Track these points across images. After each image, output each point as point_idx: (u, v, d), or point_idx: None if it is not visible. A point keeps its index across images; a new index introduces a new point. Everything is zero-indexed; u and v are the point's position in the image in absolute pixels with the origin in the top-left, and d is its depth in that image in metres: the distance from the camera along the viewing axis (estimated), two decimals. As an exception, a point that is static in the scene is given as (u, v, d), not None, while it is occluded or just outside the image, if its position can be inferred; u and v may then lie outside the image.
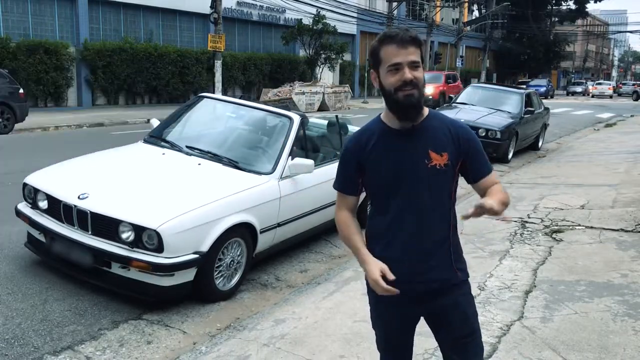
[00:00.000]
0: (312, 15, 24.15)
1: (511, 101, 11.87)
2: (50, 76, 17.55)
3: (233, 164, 4.53)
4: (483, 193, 1.96)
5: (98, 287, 3.94)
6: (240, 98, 5.96)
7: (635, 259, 4.79)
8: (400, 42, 1.82)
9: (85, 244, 3.78)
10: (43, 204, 4.13)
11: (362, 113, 20.12)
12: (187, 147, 4.76)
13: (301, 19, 24.50)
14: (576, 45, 68.96)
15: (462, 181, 2.06)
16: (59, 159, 4.90)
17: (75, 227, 3.88)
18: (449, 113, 11.21)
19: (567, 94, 49.40)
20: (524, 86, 23.23)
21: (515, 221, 6.05)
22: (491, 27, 42.54)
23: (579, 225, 5.86)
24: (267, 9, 25.99)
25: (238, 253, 4.16)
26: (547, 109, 13.83)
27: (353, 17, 28.45)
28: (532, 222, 5.99)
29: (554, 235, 5.50)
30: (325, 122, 6.32)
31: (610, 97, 44.53)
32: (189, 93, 21.58)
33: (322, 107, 21.89)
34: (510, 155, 10.89)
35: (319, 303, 3.91)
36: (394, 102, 1.87)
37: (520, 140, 11.39)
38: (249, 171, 4.48)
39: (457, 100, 12.60)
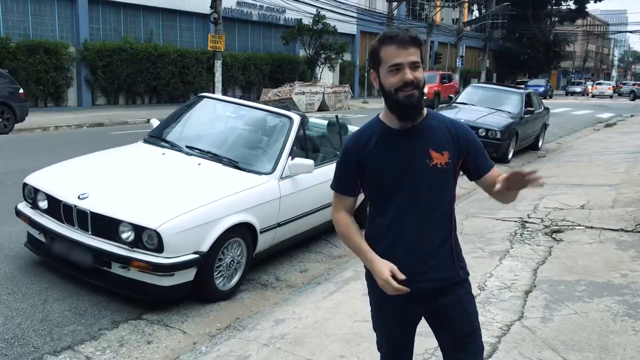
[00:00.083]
0: (312, 15, 24.15)
1: (511, 101, 11.88)
2: (50, 76, 17.55)
3: (233, 164, 4.53)
4: (491, 186, 1.97)
5: (98, 287, 3.94)
6: (240, 98, 5.96)
7: (635, 259, 4.79)
8: (401, 43, 1.82)
9: (85, 244, 3.78)
10: (43, 204, 4.13)
11: (362, 113, 20.12)
12: (187, 147, 4.76)
13: (301, 19, 24.50)
14: (576, 45, 68.96)
15: (462, 181, 2.07)
16: (59, 159, 4.90)
17: (75, 227, 3.88)
18: (449, 113, 11.24)
19: (566, 94, 49.35)
20: (522, 86, 23.19)
21: (515, 221, 6.05)
22: (491, 27, 42.54)
23: (579, 225, 5.86)
24: (267, 9, 25.99)
25: (238, 253, 4.16)
26: (547, 109, 13.83)
27: (353, 17, 28.45)
28: (532, 222, 5.99)
29: (554, 235, 5.50)
30: (325, 122, 6.32)
31: (611, 97, 44.57)
32: (189, 93, 21.58)
33: (322, 107, 21.90)
34: (510, 155, 10.89)
35: (319, 303, 3.91)
36: (394, 103, 1.87)
37: (520, 140, 11.39)
38: (249, 171, 4.48)
39: (457, 100, 12.61)
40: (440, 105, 19.43)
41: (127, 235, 3.66)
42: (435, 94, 24.76)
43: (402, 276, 1.83)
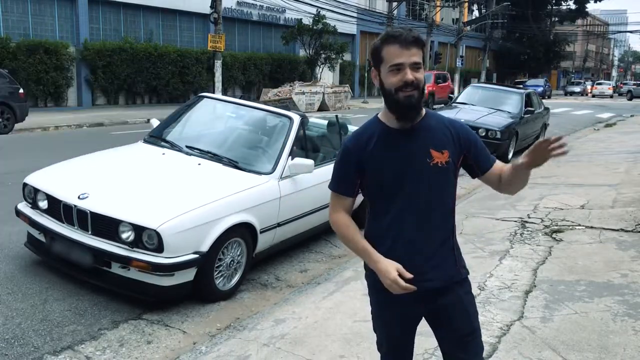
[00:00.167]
0: (312, 15, 24.15)
1: (511, 101, 11.88)
2: (50, 76, 17.55)
3: (233, 164, 4.53)
4: (497, 179, 2.00)
5: (98, 287, 3.94)
6: (240, 98, 5.96)
7: (635, 259, 4.79)
8: (403, 43, 1.82)
9: (85, 244, 3.78)
10: (43, 204, 4.13)
11: (362, 113, 20.11)
12: (187, 147, 4.76)
13: (301, 19, 24.50)
14: (576, 45, 68.95)
15: (462, 181, 2.07)
16: (59, 159, 4.90)
17: (75, 227, 3.88)
18: (448, 113, 11.26)
19: (565, 94, 49.32)
20: (521, 86, 23.18)
21: (515, 221, 6.05)
22: (491, 27, 42.53)
23: (579, 225, 5.86)
24: (267, 8, 25.99)
25: (238, 253, 4.16)
26: (547, 108, 13.84)
27: (353, 17, 28.45)
28: (532, 222, 5.99)
29: (554, 235, 5.50)
30: (325, 122, 6.32)
31: (611, 96, 44.61)
32: (189, 93, 21.58)
33: (322, 107, 21.90)
34: (510, 155, 10.89)
35: (319, 303, 3.91)
36: (393, 102, 1.87)
37: (520, 140, 11.39)
38: (249, 171, 4.48)
39: (457, 100, 12.62)
40: (434, 106, 19.38)
41: (127, 235, 3.66)
42: (430, 94, 24.68)
43: (409, 275, 1.84)
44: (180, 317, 3.78)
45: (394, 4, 29.83)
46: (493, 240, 5.36)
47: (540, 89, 36.73)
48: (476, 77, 41.48)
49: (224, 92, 21.02)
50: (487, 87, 13.93)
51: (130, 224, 3.65)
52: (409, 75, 1.82)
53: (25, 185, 4.32)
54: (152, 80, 20.51)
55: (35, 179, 4.30)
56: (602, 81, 55.75)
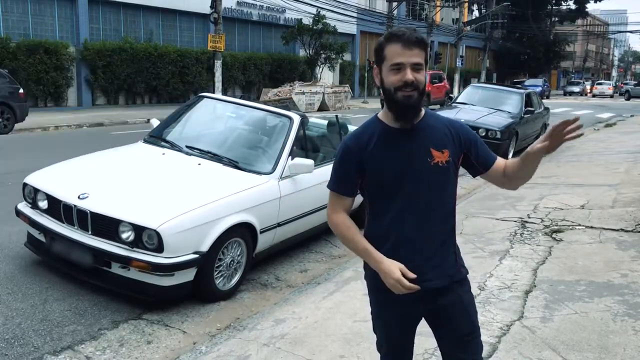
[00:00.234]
0: (312, 15, 24.15)
1: (511, 101, 11.88)
2: (50, 76, 17.55)
3: (233, 164, 4.53)
4: (500, 175, 2.01)
5: (98, 287, 3.94)
6: (240, 98, 5.96)
7: (635, 259, 4.79)
8: (406, 43, 1.82)
9: (85, 243, 3.78)
10: (43, 204, 4.13)
11: (362, 113, 20.12)
12: (187, 147, 4.76)
13: (301, 19, 24.50)
14: (576, 45, 68.94)
15: (462, 181, 2.07)
16: (59, 159, 4.90)
17: (75, 227, 3.88)
18: (449, 113, 11.26)
19: (565, 94, 49.30)
20: (519, 86, 23.16)
21: (515, 221, 6.05)
22: (491, 27, 42.52)
23: (579, 225, 5.86)
24: (267, 8, 25.99)
25: (238, 253, 4.16)
26: (547, 108, 13.84)
27: (353, 17, 28.44)
28: (532, 222, 5.99)
29: (554, 235, 5.50)
30: (325, 122, 6.32)
31: (611, 96, 44.74)
32: (189, 93, 21.58)
33: (322, 107, 21.90)
34: (510, 155, 10.88)
35: (319, 303, 3.91)
36: (392, 102, 1.87)
37: (520, 140, 11.39)
38: (249, 171, 4.48)
39: (457, 100, 12.62)
40: (430, 107, 19.35)
41: (127, 235, 3.66)
42: (426, 95, 24.62)
43: (412, 275, 1.84)
44: (180, 317, 3.78)
45: (394, 4, 29.82)
46: (493, 240, 5.36)
47: (538, 89, 36.66)
48: (476, 77, 41.47)
49: (224, 92, 21.02)
50: (487, 87, 13.93)
51: (130, 224, 3.65)
52: (409, 75, 1.82)
53: (25, 185, 4.32)
54: (152, 80, 20.51)
55: (35, 179, 4.30)
56: (602, 81, 55.78)
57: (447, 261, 1.98)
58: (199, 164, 4.49)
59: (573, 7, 55.12)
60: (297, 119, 4.91)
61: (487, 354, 3.11)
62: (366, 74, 31.18)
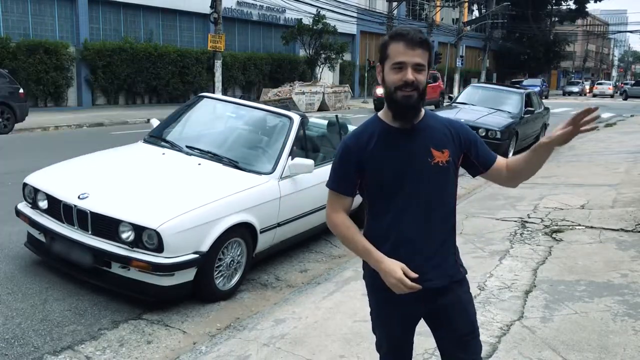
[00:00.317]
0: (312, 15, 24.15)
1: (511, 101, 11.88)
2: (50, 76, 17.55)
3: (233, 164, 4.53)
4: (501, 173, 2.02)
5: (98, 287, 3.94)
6: (240, 98, 5.96)
7: (635, 259, 4.79)
8: (409, 42, 1.82)
9: (85, 243, 3.78)
10: (43, 204, 4.13)
11: (362, 113, 20.12)
12: (187, 147, 4.76)
13: (301, 19, 24.49)
14: (576, 45, 68.94)
15: (462, 181, 2.07)
16: (59, 159, 4.90)
17: (75, 227, 3.88)
18: (448, 113, 11.26)
19: (564, 94, 49.30)
20: (517, 86, 23.09)
21: (515, 221, 6.05)
22: (491, 27, 42.51)
23: (579, 225, 5.86)
24: (267, 8, 25.99)
25: (238, 253, 4.16)
26: (547, 108, 13.84)
27: (353, 17, 28.43)
28: (532, 222, 5.99)
29: (554, 235, 5.50)
30: (325, 122, 6.32)
31: (611, 96, 44.89)
32: (189, 93, 21.57)
33: (322, 107, 21.89)
34: (510, 155, 10.88)
35: (319, 303, 3.91)
36: (392, 101, 1.88)
37: (520, 140, 11.39)
38: (249, 171, 4.48)
39: (457, 100, 12.62)
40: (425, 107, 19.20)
41: (127, 235, 3.66)
42: None
43: (414, 275, 1.84)
44: (180, 317, 3.78)
45: (394, 4, 29.81)
46: (493, 240, 5.36)
47: (536, 89, 36.59)
48: (476, 77, 41.45)
49: (224, 92, 21.01)
50: (487, 87, 13.93)
51: (130, 223, 3.65)
52: (410, 75, 1.81)
53: (25, 185, 4.32)
54: (152, 80, 20.50)
55: (35, 179, 4.30)
56: (602, 81, 55.87)
57: (447, 261, 1.99)
58: (199, 164, 4.49)
59: (573, 7, 55.12)
60: (297, 119, 4.91)
61: (487, 354, 3.11)
62: (366, 74, 31.17)
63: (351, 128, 6.14)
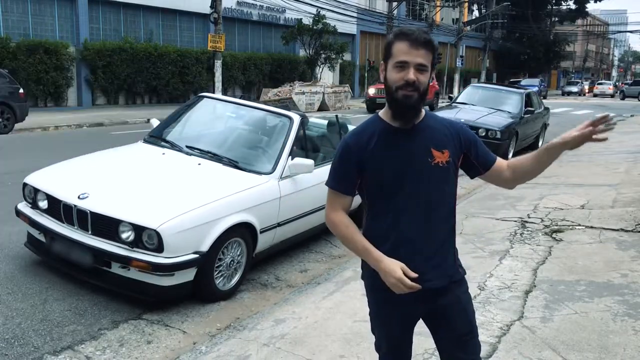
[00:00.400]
0: (312, 15, 24.15)
1: (511, 101, 11.88)
2: (50, 76, 17.55)
3: (233, 164, 4.53)
4: (500, 174, 2.03)
5: (98, 287, 3.94)
6: (240, 98, 5.96)
7: (635, 259, 4.79)
8: (413, 42, 1.82)
9: (85, 243, 3.78)
10: (43, 204, 4.13)
11: (362, 113, 20.12)
12: (187, 147, 4.76)
13: (301, 19, 24.49)
14: (576, 45, 68.95)
15: (462, 181, 2.08)
16: (59, 159, 4.90)
17: (75, 227, 3.88)
18: (448, 113, 11.25)
19: (563, 94, 49.30)
20: (516, 86, 23.05)
21: (515, 221, 6.05)
22: (491, 27, 42.51)
23: (579, 225, 5.86)
24: (267, 8, 25.99)
25: (238, 253, 4.16)
26: (547, 108, 13.84)
27: (353, 17, 28.44)
28: (532, 222, 5.99)
29: (554, 235, 5.50)
30: (325, 122, 6.32)
31: (612, 96, 45.09)
32: (189, 93, 21.58)
33: (322, 107, 21.89)
34: (510, 155, 10.87)
35: (319, 303, 3.91)
36: (393, 100, 1.88)
37: (520, 140, 11.39)
38: (249, 171, 4.48)
39: (457, 100, 12.62)
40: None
41: (127, 235, 3.66)
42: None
43: (414, 274, 1.84)
44: (180, 317, 3.78)
45: (394, 3, 29.81)
46: (493, 240, 5.36)
47: (535, 89, 36.52)
48: (476, 77, 41.45)
49: (224, 92, 21.02)
50: (487, 87, 13.92)
51: (130, 223, 3.64)
52: (411, 75, 1.81)
53: (25, 185, 4.32)
54: (152, 80, 20.51)
55: (35, 179, 4.30)
56: (603, 81, 55.99)
57: (446, 261, 1.99)
58: (199, 164, 4.49)
59: (573, 7, 55.14)
60: (297, 119, 4.91)
61: (487, 354, 3.11)
62: (366, 74, 31.17)
63: (351, 128, 6.14)
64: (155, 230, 3.56)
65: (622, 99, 41.20)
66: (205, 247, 3.78)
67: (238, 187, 4.20)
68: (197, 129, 5.38)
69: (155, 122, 5.51)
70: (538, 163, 1.97)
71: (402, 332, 2.08)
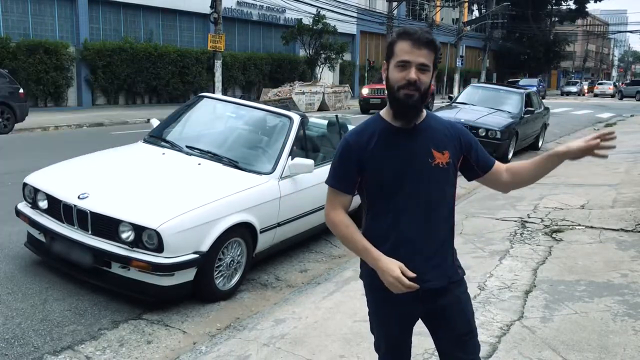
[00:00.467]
0: (312, 15, 24.15)
1: (511, 101, 11.88)
2: (50, 76, 17.56)
3: (233, 164, 4.53)
4: (497, 178, 2.04)
5: (98, 287, 3.94)
6: (240, 98, 5.96)
7: (635, 259, 4.79)
8: (416, 42, 1.82)
9: (85, 243, 3.78)
10: (43, 204, 4.13)
11: (360, 113, 20.11)
12: (187, 147, 4.76)
13: (301, 19, 24.50)
14: (576, 45, 68.97)
15: (462, 181, 2.08)
16: (59, 159, 4.90)
17: (75, 227, 3.88)
18: (449, 113, 11.24)
19: (562, 94, 49.30)
20: (515, 85, 22.98)
21: (515, 221, 6.05)
22: (491, 27, 42.50)
23: (579, 225, 5.86)
24: (267, 8, 26.00)
25: (238, 253, 4.16)
26: (547, 108, 13.84)
27: (353, 17, 28.44)
28: (532, 222, 5.99)
29: (554, 235, 5.50)
30: (325, 122, 6.32)
31: (612, 96, 45.16)
32: (189, 93, 21.58)
33: (322, 107, 21.89)
34: (510, 155, 10.88)
35: (319, 303, 3.91)
36: (394, 99, 1.88)
37: (520, 140, 11.38)
38: (249, 171, 4.48)
39: (457, 100, 12.62)
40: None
41: (127, 235, 3.66)
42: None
43: (411, 274, 1.84)
44: (180, 317, 3.78)
45: (394, 3, 29.81)
46: (493, 240, 5.36)
47: (533, 89, 36.44)
48: (476, 77, 41.44)
49: (224, 92, 21.02)
50: (487, 87, 13.92)
51: (130, 223, 3.64)
52: (413, 74, 1.82)
53: (25, 185, 4.32)
54: (152, 80, 20.52)
55: (35, 179, 4.30)
56: (603, 81, 56.05)
57: (446, 261, 1.99)
58: (199, 164, 4.49)
59: (573, 7, 55.15)
60: (297, 119, 4.91)
61: (487, 354, 3.11)
62: (366, 74, 31.17)
63: (351, 128, 6.14)
64: (155, 230, 3.56)
65: (620, 99, 41.23)
66: (205, 247, 3.78)
67: (238, 187, 4.20)
68: (197, 129, 5.39)
69: (155, 122, 5.51)
70: (538, 169, 2.00)
71: (401, 332, 2.08)
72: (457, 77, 35.61)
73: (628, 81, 62.88)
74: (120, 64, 19.37)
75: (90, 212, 3.77)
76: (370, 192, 1.97)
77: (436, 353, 2.11)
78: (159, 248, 3.59)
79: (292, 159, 4.61)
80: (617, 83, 57.96)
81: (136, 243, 3.65)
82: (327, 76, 27.34)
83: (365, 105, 20.84)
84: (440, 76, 35.02)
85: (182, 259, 3.65)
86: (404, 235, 1.92)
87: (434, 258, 1.95)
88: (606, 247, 5.14)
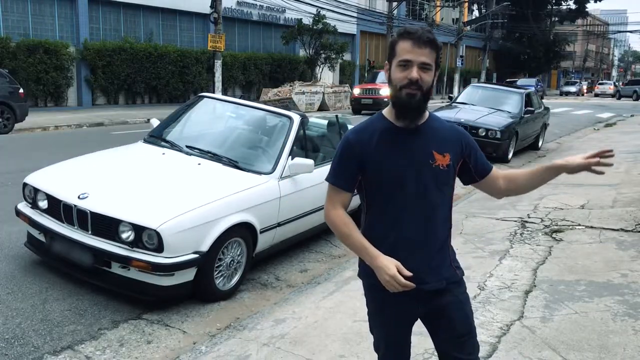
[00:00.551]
0: (312, 15, 24.15)
1: (511, 101, 11.88)
2: (50, 76, 17.56)
3: (233, 164, 4.53)
4: (494, 184, 2.06)
5: (98, 287, 3.94)
6: (240, 98, 5.96)
7: (635, 259, 4.79)
8: (417, 41, 1.82)
9: (85, 243, 3.78)
10: (43, 204, 4.13)
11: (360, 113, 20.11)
12: (187, 146, 4.76)
13: (301, 19, 24.50)
14: (576, 45, 68.93)
15: (461, 181, 2.08)
16: (59, 159, 4.90)
17: (75, 227, 3.88)
18: (449, 113, 11.24)
19: (561, 94, 49.29)
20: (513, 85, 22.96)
21: (515, 221, 6.05)
22: (491, 27, 42.50)
23: (579, 225, 5.86)
24: (267, 8, 25.99)
25: (238, 253, 4.16)
26: (547, 108, 13.85)
27: (353, 17, 28.44)
28: (532, 222, 5.99)
29: (554, 235, 5.50)
30: (325, 121, 6.32)
31: (613, 95, 45.20)
32: (189, 93, 21.59)
33: (322, 107, 21.90)
34: (510, 155, 10.89)
35: (319, 303, 3.91)
36: (396, 99, 1.88)
37: (520, 140, 11.39)
38: (249, 171, 4.48)
39: (457, 100, 12.62)
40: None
41: (127, 235, 3.66)
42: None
43: (408, 273, 1.83)
44: (180, 317, 3.78)
45: (394, 3, 29.80)
46: (493, 240, 5.36)
47: (531, 89, 36.37)
48: (476, 77, 41.44)
49: (224, 92, 21.03)
50: (487, 87, 13.93)
51: (130, 223, 3.64)
52: (414, 73, 1.82)
53: (25, 185, 4.32)
54: (152, 80, 20.52)
55: (35, 179, 4.30)
56: (604, 81, 56.11)
57: (445, 262, 1.99)
58: (199, 164, 4.49)
59: (573, 7, 55.13)
60: (297, 118, 4.91)
61: (487, 353, 3.11)
62: (366, 74, 31.14)
63: (351, 127, 6.13)
64: (155, 230, 3.57)
65: (618, 98, 41.31)
66: (205, 247, 3.78)
67: (238, 187, 4.20)
68: (197, 128, 5.39)
69: (155, 122, 5.51)
70: (534, 179, 2.02)
71: (400, 332, 2.08)
72: (457, 77, 35.63)
73: (627, 81, 62.98)
74: (120, 64, 19.37)
75: (90, 212, 3.77)
76: (370, 191, 1.97)
77: (436, 353, 2.11)
78: (159, 248, 3.59)
79: (292, 158, 4.61)
80: (617, 83, 58.01)
81: (136, 243, 3.65)
82: (327, 76, 27.33)
83: (357, 106, 20.70)
84: (440, 76, 35.00)
85: (182, 259, 3.65)
86: (404, 235, 1.92)
87: (433, 258, 1.95)
88: (606, 247, 5.14)
